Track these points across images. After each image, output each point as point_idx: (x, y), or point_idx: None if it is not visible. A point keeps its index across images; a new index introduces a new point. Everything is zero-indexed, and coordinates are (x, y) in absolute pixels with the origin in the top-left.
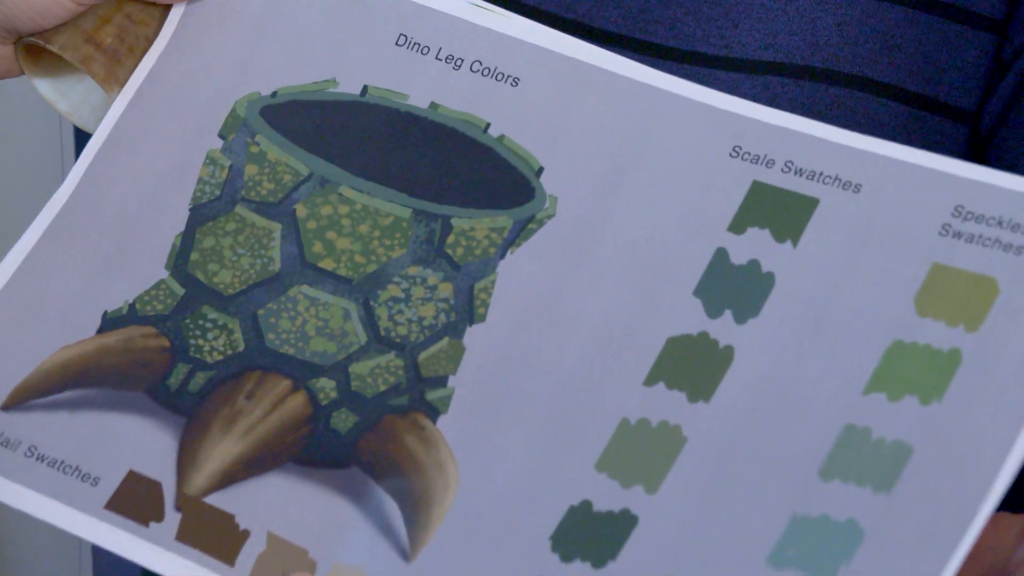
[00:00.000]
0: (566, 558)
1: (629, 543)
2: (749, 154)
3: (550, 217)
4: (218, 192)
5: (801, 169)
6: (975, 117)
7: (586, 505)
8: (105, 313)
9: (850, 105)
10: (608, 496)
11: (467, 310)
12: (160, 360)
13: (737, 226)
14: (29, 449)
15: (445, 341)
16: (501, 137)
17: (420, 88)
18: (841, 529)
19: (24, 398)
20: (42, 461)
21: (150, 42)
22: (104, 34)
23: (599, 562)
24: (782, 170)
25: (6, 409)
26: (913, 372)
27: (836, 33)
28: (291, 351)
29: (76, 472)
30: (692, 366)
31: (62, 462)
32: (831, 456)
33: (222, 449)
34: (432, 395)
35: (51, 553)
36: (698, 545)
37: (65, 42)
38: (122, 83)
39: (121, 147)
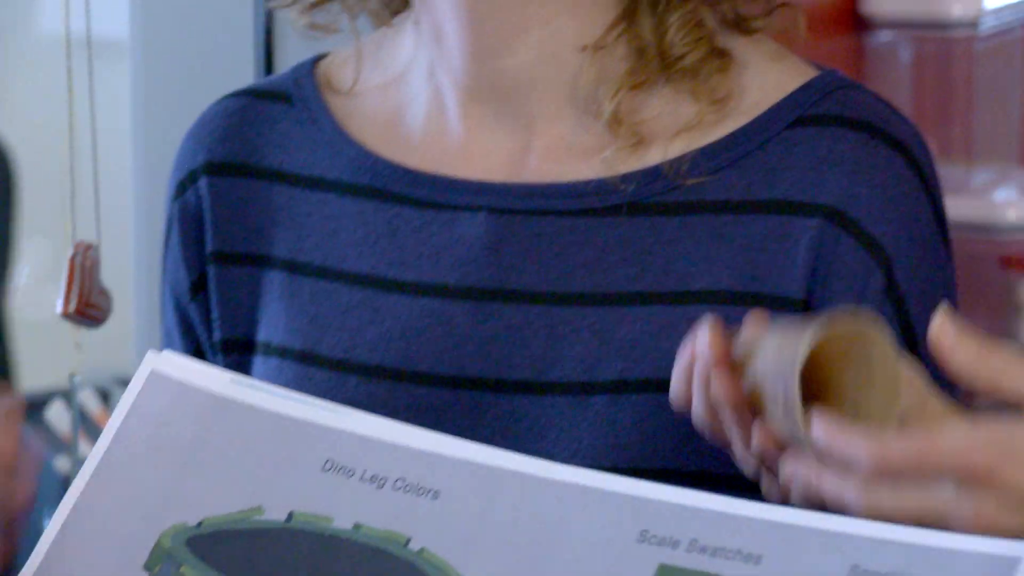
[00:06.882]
0: None
1: None
2: (656, 537)
3: None
4: None
5: (705, 547)
6: None
7: None
8: None
9: None
10: None
11: None
12: None
13: None
14: None
15: None
16: (421, 550)
17: (345, 510)
18: None
19: None
20: None
21: None
22: None
23: None
24: (687, 550)
25: None
26: None
27: (636, 431)
28: None
29: None
30: None
31: None
32: None
33: None
34: None
35: None
36: None
37: None
38: None
39: None
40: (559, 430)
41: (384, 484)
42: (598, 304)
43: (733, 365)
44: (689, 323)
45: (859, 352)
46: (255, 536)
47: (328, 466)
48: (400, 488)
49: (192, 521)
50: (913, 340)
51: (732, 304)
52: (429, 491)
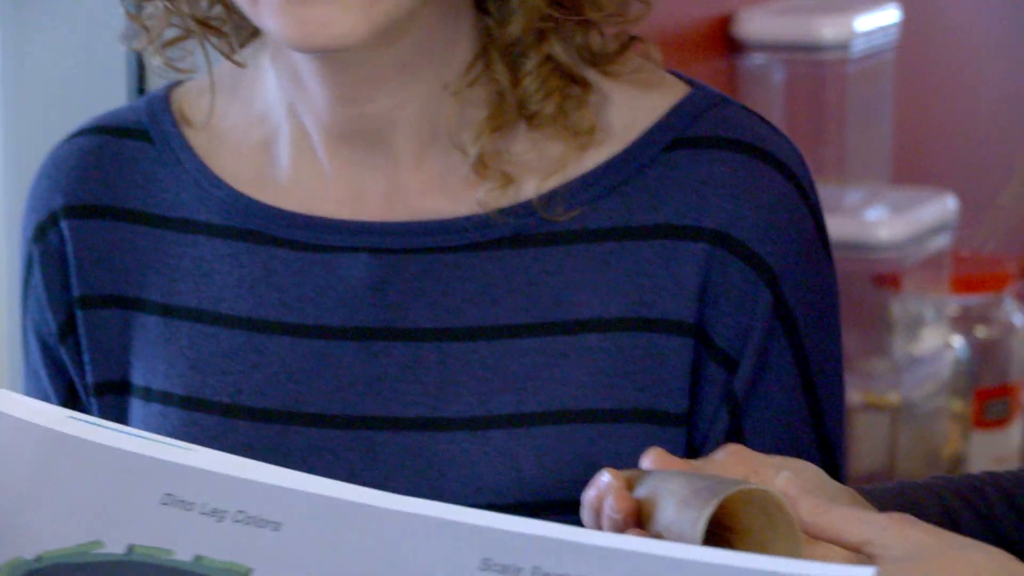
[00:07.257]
0: None
1: None
2: (499, 565)
3: None
4: None
5: (548, 574)
6: None
7: None
8: None
9: None
10: None
11: None
12: None
13: None
14: None
15: None
16: None
17: (185, 543)
18: None
19: None
20: None
21: None
22: None
23: None
24: None
25: None
26: None
27: (536, 464)
28: None
29: None
30: None
31: None
32: None
33: None
34: None
35: None
36: None
37: None
38: None
39: None
40: (459, 466)
41: (224, 517)
42: (489, 338)
43: (639, 505)
44: (581, 352)
45: (760, 501)
46: (94, 569)
47: (167, 500)
48: (241, 520)
49: (30, 555)
50: (804, 356)
51: (623, 331)
52: (270, 523)
